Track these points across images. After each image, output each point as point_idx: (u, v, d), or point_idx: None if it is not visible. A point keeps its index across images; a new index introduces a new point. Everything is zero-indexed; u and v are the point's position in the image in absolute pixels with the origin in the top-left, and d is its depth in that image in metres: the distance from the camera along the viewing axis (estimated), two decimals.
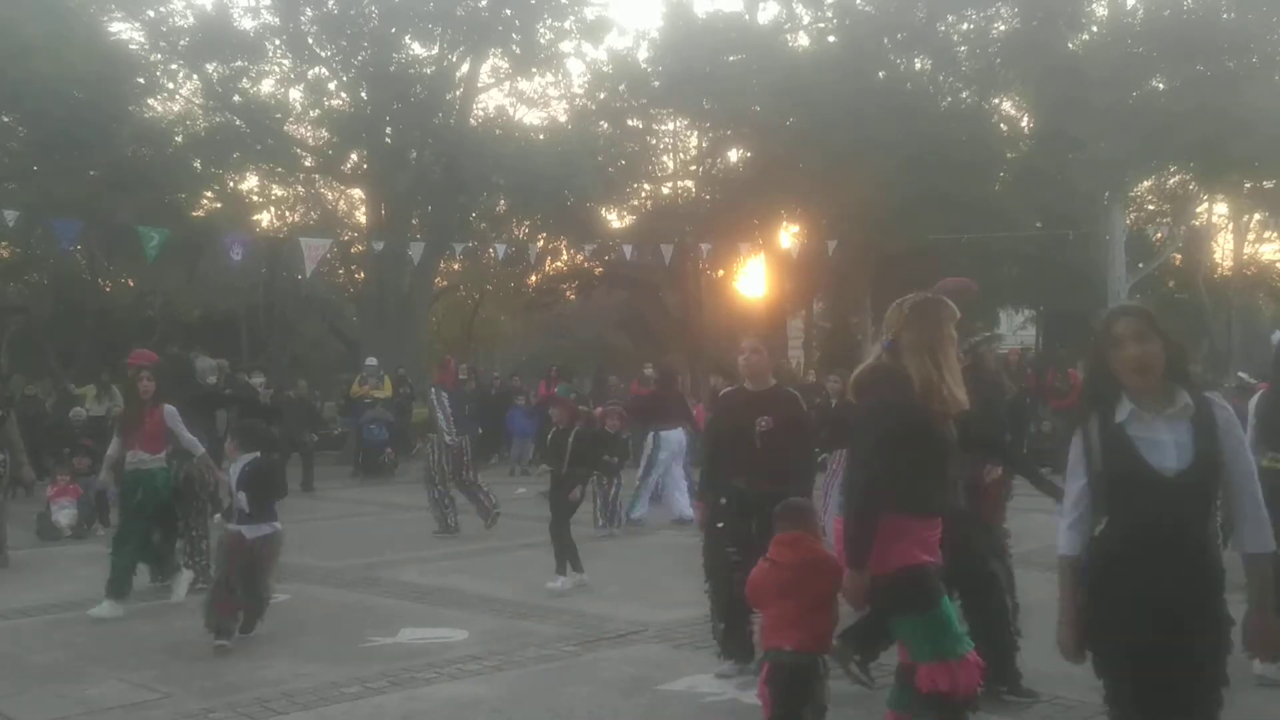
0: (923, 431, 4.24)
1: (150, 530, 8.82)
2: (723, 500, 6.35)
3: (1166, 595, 3.36)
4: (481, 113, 29.63)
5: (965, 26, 27.93)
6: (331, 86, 28.36)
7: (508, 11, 26.93)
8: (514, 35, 27.59)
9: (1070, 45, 25.92)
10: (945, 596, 4.39)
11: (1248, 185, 26.65)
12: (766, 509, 5.38)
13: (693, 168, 31.29)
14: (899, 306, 4.41)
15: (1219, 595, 3.42)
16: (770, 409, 6.29)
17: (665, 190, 32.08)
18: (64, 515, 12.53)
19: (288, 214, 32.28)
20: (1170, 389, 3.44)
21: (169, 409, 8.81)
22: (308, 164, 29.57)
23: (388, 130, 27.23)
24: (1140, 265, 26.24)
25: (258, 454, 7.74)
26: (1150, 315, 3.50)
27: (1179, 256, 29.96)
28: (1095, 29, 26.66)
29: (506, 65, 29.36)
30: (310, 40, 27.17)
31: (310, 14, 26.69)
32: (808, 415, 6.36)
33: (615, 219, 31.07)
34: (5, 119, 22.53)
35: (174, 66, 27.26)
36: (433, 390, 12.90)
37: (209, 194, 27.01)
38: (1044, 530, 9.28)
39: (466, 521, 12.47)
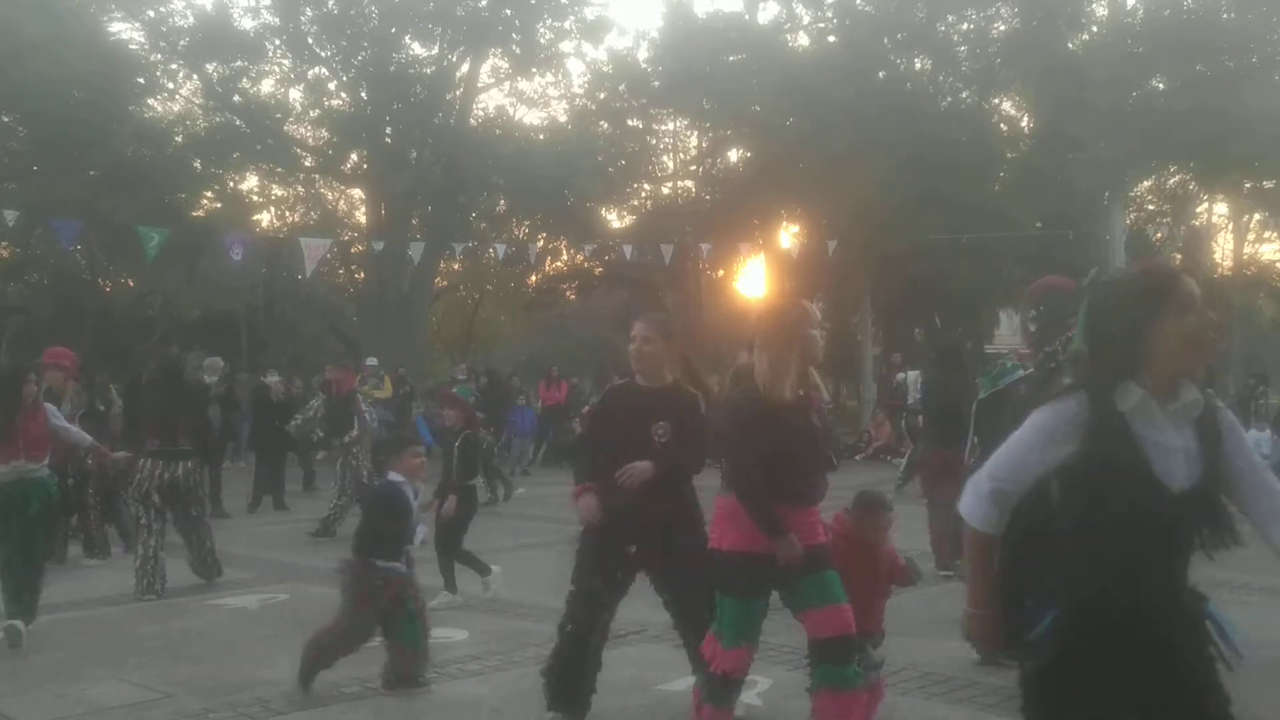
0: (766, 421, 4.61)
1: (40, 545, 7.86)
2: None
3: (1165, 667, 2.72)
4: (481, 113, 29.70)
5: (965, 26, 27.95)
6: (331, 86, 28.40)
7: (508, 11, 26.96)
8: (514, 35, 27.64)
9: (1070, 45, 25.94)
10: (762, 597, 4.76)
11: (1247, 185, 26.66)
12: (652, 533, 5.14)
13: (693, 168, 31.30)
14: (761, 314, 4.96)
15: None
16: (667, 413, 5.23)
17: (665, 190, 32.10)
18: None
19: (288, 214, 32.33)
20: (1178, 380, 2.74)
21: (51, 408, 8.10)
22: (308, 164, 29.60)
23: (388, 130, 27.25)
24: None
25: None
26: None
27: (1179, 256, 29.93)
28: (1095, 29, 26.69)
29: (506, 65, 29.42)
30: (310, 40, 27.21)
31: (310, 14, 26.73)
32: (707, 422, 5.31)
33: (615, 219, 31.12)
34: (5, 119, 22.56)
35: (174, 66, 27.32)
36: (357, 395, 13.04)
37: (209, 194, 27.05)
38: None
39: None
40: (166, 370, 9.98)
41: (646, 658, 6.94)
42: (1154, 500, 2.67)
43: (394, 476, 6.49)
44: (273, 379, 15.99)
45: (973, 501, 2.88)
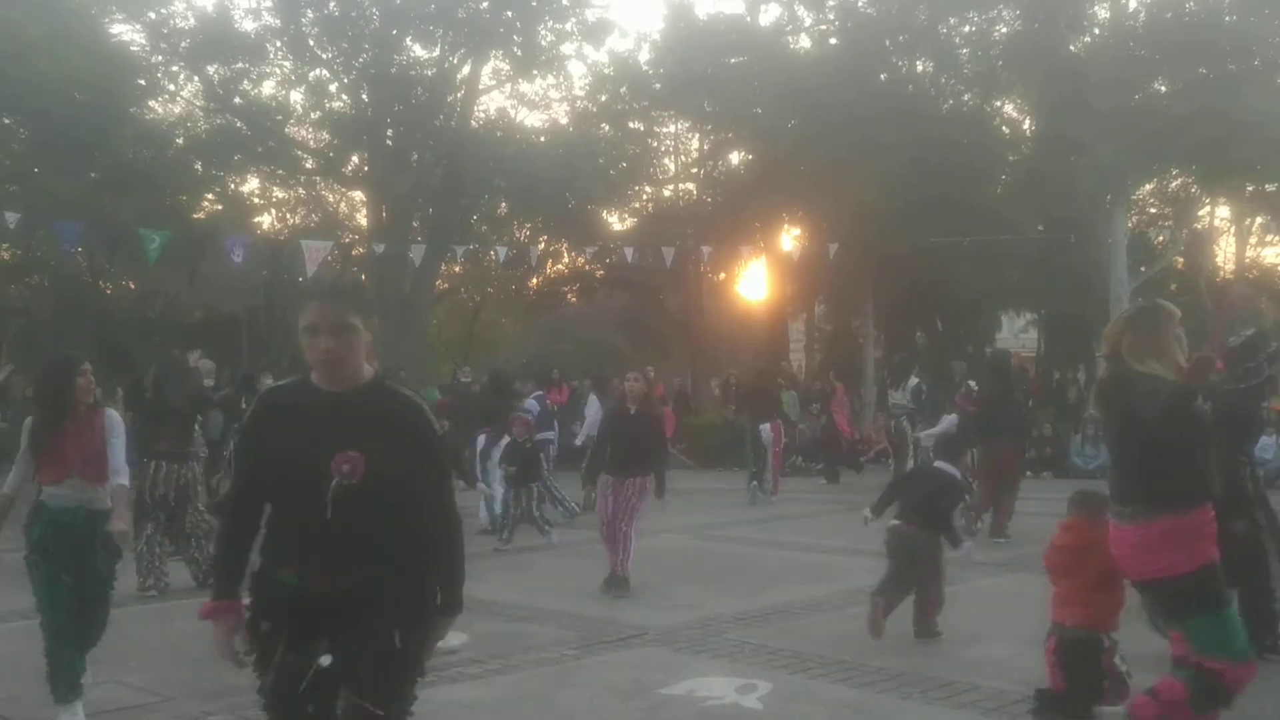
0: (1201, 420, 4.45)
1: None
2: (248, 604, 3.35)
3: None
4: (483, 115, 29.69)
5: (967, 29, 27.90)
6: (332, 88, 28.41)
7: (509, 13, 26.94)
8: (515, 37, 27.62)
9: (1072, 47, 25.88)
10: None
11: (1250, 188, 26.59)
12: (343, 617, 3.15)
13: (694, 170, 31.29)
14: (1117, 320, 4.72)
15: None
16: (361, 436, 3.17)
17: (666, 193, 32.10)
18: None
19: (289, 216, 32.34)
20: None
21: (112, 414, 6.19)
22: (309, 166, 29.60)
23: (389, 132, 27.25)
24: (1142, 269, 26.19)
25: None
26: None
27: (1181, 260, 29.89)
28: (1097, 31, 26.63)
29: (508, 67, 29.40)
30: (311, 42, 27.21)
31: (311, 16, 26.73)
32: (439, 444, 3.38)
33: (616, 221, 31.11)
34: (6, 120, 22.53)
35: (175, 68, 27.32)
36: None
37: (210, 196, 27.05)
38: (1048, 533, 9.28)
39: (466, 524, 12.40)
40: (172, 373, 10.11)
41: (647, 661, 6.93)
42: None
43: (946, 467, 7.83)
44: (266, 382, 15.90)
45: None
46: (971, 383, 13.73)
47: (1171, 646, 4.61)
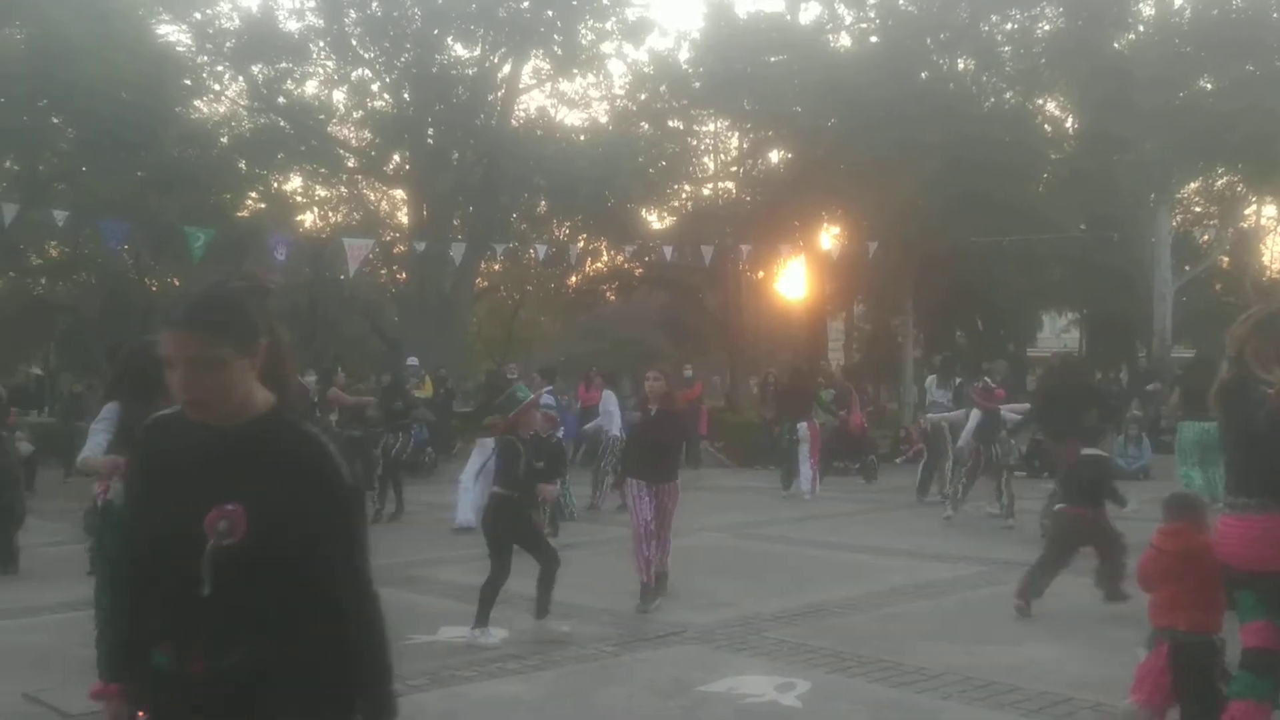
0: None
1: None
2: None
3: None
4: (523, 114, 29.85)
5: (1009, 26, 27.72)
6: (374, 88, 28.64)
7: (549, 12, 27.06)
8: (555, 36, 27.74)
9: (1116, 45, 25.66)
10: None
11: None
12: (225, 709, 2.50)
13: (733, 169, 31.26)
14: (1244, 321, 4.67)
15: None
16: (243, 483, 2.45)
17: (706, 191, 32.09)
18: None
19: (331, 214, 32.60)
20: None
21: None
22: (350, 165, 29.84)
23: (430, 131, 27.42)
24: (1187, 268, 25.93)
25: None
26: None
27: (1226, 259, 29.57)
28: (1141, 28, 26.39)
29: (548, 66, 29.52)
30: (354, 42, 27.45)
31: (354, 16, 26.98)
32: (348, 495, 2.58)
33: (655, 220, 31.16)
34: (54, 120, 22.85)
35: (220, 68, 27.66)
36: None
37: (254, 194, 27.34)
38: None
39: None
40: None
41: (686, 659, 6.94)
42: None
43: (1095, 451, 8.86)
44: (309, 378, 15.96)
45: None
46: (988, 379, 13.62)
47: (1244, 638, 4.57)
